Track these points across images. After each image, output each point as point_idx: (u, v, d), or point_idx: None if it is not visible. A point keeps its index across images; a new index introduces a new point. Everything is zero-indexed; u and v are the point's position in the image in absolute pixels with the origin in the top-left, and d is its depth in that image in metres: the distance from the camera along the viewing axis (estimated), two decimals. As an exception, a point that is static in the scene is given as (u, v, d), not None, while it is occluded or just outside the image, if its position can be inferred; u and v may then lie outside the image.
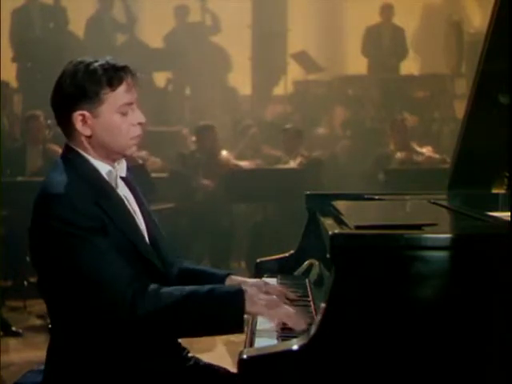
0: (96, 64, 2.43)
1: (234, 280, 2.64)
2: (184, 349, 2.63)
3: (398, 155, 7.94)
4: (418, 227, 2.21)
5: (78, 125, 2.42)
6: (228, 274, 2.68)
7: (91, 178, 2.43)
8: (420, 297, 2.10)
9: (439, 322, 2.09)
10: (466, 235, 2.22)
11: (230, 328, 2.32)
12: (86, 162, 2.45)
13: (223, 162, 7.87)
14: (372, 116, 10.51)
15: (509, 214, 2.46)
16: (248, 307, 2.31)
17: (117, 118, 2.44)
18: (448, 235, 2.16)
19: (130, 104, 2.45)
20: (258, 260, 3.20)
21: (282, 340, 2.27)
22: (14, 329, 5.88)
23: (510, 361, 2.08)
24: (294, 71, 11.35)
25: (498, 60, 2.77)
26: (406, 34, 10.90)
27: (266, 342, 2.27)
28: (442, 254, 2.11)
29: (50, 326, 2.52)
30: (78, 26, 10.35)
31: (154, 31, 10.85)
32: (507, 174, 2.98)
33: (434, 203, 2.98)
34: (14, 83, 10.06)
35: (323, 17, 11.96)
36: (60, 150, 2.56)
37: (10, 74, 9.82)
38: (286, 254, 3.21)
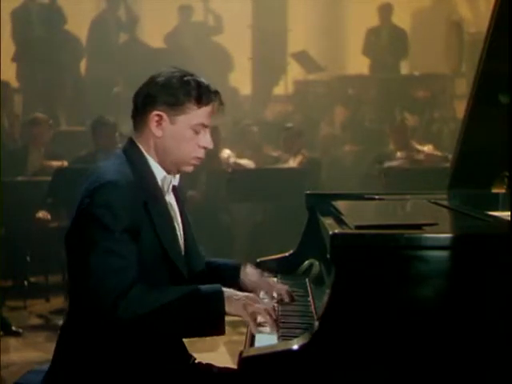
0: (191, 78, 2.51)
1: (251, 272, 2.72)
2: (186, 349, 2.64)
3: (398, 155, 7.93)
4: (418, 227, 2.21)
5: (153, 124, 2.49)
6: (239, 265, 2.74)
7: (146, 179, 2.48)
8: (420, 297, 2.10)
9: (439, 322, 2.10)
10: (466, 235, 2.22)
11: (210, 329, 2.35)
12: (146, 163, 2.51)
13: (224, 161, 7.86)
14: (372, 116, 10.51)
15: (509, 213, 2.46)
16: (227, 308, 2.34)
17: (188, 133, 2.51)
18: (448, 235, 2.16)
19: (205, 126, 2.52)
20: (258, 260, 3.20)
21: (282, 340, 2.27)
22: (14, 328, 5.86)
23: (510, 361, 2.08)
24: (294, 71, 11.35)
25: (498, 60, 2.77)
26: (406, 34, 10.90)
27: (266, 341, 2.28)
28: (442, 254, 2.11)
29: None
30: (76, 25, 10.33)
31: (155, 31, 10.84)
32: (507, 174, 2.98)
33: (434, 203, 2.98)
34: (14, 83, 10.04)
35: (323, 17, 11.96)
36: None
37: (9, 74, 9.81)
38: (286, 254, 3.22)
